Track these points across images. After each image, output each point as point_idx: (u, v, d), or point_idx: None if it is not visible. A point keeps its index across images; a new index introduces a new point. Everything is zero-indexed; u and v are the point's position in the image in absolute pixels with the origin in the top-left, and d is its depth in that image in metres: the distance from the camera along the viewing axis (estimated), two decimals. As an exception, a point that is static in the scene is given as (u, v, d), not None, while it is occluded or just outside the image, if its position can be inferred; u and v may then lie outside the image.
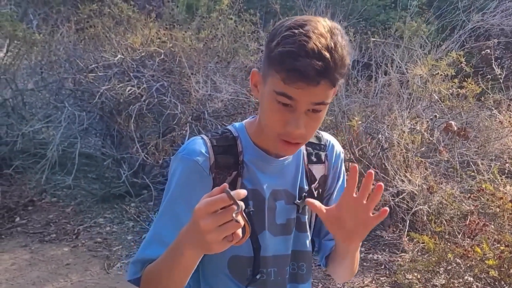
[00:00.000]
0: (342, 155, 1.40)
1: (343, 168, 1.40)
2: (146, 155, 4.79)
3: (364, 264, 3.93)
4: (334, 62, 1.04)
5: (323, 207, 1.12)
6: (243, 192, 0.89)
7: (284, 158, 1.27)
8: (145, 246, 1.19)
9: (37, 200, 5.26)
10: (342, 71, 1.08)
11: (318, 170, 1.34)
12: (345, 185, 1.18)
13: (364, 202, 1.06)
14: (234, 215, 0.86)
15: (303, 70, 1.03)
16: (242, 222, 0.89)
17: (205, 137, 1.24)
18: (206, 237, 0.89)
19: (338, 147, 1.39)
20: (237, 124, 1.31)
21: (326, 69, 1.04)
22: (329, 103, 1.14)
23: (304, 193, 1.30)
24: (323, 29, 1.07)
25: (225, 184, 0.90)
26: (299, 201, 1.29)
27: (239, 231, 0.89)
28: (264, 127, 1.20)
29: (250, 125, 1.28)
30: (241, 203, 0.88)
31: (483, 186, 3.20)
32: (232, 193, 0.87)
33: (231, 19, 5.35)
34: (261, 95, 1.18)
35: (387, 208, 1.05)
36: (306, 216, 1.32)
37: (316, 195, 1.34)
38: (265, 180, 1.25)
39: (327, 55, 1.04)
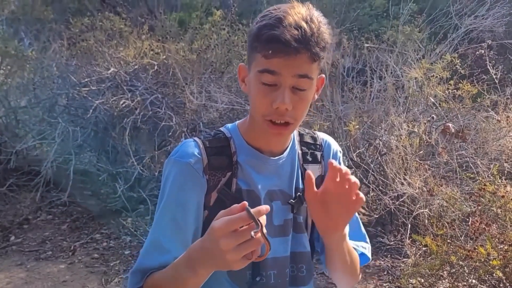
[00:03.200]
0: (340, 154, 1.37)
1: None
2: (142, 169, 4.74)
3: (367, 270, 3.86)
4: (312, 31, 1.07)
5: (314, 188, 1.11)
6: (265, 209, 0.88)
7: (278, 157, 1.25)
8: (144, 255, 1.16)
9: (32, 218, 5.17)
10: (322, 44, 1.09)
11: (314, 170, 1.30)
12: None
13: (346, 186, 1.06)
14: (253, 233, 0.86)
15: (281, 38, 1.05)
16: (262, 240, 0.88)
17: (197, 139, 1.22)
18: (226, 256, 0.87)
19: (335, 146, 1.37)
20: (229, 125, 1.29)
21: (303, 36, 1.06)
22: (314, 81, 1.13)
23: (299, 193, 1.28)
24: (301, 8, 1.11)
25: (245, 203, 0.89)
26: (293, 201, 1.27)
27: (259, 249, 0.89)
28: (253, 116, 1.19)
29: (242, 125, 1.27)
30: (263, 220, 0.88)
31: (484, 185, 3.17)
32: (252, 211, 0.87)
33: (224, 29, 5.35)
34: (248, 86, 1.18)
35: (363, 196, 1.07)
36: (302, 217, 1.29)
37: None
38: (260, 180, 1.22)
39: (304, 24, 1.07)
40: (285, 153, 1.26)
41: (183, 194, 1.16)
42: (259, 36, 1.09)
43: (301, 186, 1.28)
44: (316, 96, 1.21)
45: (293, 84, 1.10)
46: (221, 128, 1.28)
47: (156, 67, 4.99)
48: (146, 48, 5.07)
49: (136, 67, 5.04)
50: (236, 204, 0.89)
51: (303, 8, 1.11)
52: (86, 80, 5.18)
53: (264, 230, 0.90)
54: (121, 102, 4.74)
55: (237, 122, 1.29)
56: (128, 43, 5.25)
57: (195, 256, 0.97)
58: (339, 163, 1.36)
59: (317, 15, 1.11)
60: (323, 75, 1.22)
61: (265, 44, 1.07)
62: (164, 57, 5.01)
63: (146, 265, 1.13)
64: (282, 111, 1.11)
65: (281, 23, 1.06)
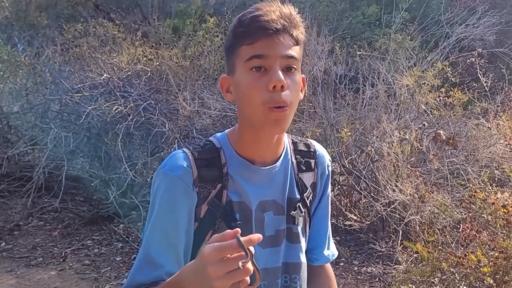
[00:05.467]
0: (330, 164, 1.39)
1: (330, 176, 1.40)
2: (134, 175, 4.73)
3: (358, 277, 3.87)
4: (290, 13, 1.11)
5: None
6: (256, 238, 0.88)
7: (271, 166, 1.23)
8: (136, 270, 1.15)
9: (23, 224, 5.14)
10: (300, 29, 1.13)
11: (308, 178, 1.32)
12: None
13: None
14: (241, 264, 0.85)
15: (264, 17, 1.08)
16: (251, 269, 0.87)
17: (186, 151, 1.20)
18: (214, 283, 0.87)
19: (327, 155, 1.38)
20: (219, 134, 1.27)
21: (284, 17, 1.09)
22: (299, 64, 1.14)
23: (298, 203, 1.27)
24: (274, 2, 1.13)
25: (237, 230, 0.88)
26: (294, 212, 1.26)
27: (248, 278, 0.88)
28: (252, 112, 1.14)
29: (232, 134, 1.25)
30: (252, 250, 0.87)
31: (475, 192, 3.19)
32: (244, 239, 0.86)
33: (217, 36, 5.37)
34: (235, 91, 1.16)
35: None
36: (300, 227, 1.29)
37: (308, 204, 1.31)
38: (252, 191, 1.21)
39: (282, 8, 1.11)
40: (278, 163, 1.25)
41: (173, 208, 1.15)
42: (241, 23, 1.11)
43: (297, 196, 1.27)
44: (301, 96, 1.20)
45: (282, 64, 1.10)
46: (211, 138, 1.26)
47: (149, 73, 4.99)
48: (139, 54, 5.08)
49: (129, 73, 5.05)
50: (229, 230, 0.88)
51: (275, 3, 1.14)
52: (79, 86, 5.17)
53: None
54: (114, 108, 4.73)
55: (227, 131, 1.27)
56: (122, 49, 5.25)
57: (186, 278, 0.97)
58: (329, 172, 1.38)
59: (289, 5, 1.15)
60: (303, 75, 1.22)
61: (247, 28, 1.09)
62: (158, 63, 5.02)
63: (138, 280, 1.13)
64: (279, 90, 1.09)
65: (259, 9, 1.10)
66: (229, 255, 0.86)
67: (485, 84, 4.25)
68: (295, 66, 1.12)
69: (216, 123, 4.86)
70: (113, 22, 5.67)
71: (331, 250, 1.41)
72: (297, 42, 1.11)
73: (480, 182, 3.51)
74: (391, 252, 3.97)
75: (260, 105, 1.10)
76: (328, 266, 1.43)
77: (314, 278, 1.37)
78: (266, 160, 1.23)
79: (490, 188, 3.33)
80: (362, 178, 4.07)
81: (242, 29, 1.10)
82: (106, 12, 7.83)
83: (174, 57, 5.18)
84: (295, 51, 1.11)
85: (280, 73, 1.08)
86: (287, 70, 1.11)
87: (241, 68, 1.12)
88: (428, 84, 4.44)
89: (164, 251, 1.13)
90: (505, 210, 2.97)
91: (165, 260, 1.12)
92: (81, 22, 5.64)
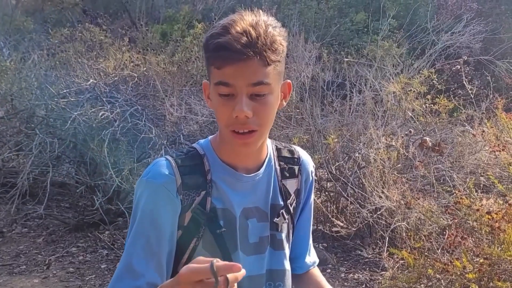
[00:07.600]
0: (313, 170, 1.38)
1: (313, 183, 1.40)
2: (120, 181, 4.68)
3: (345, 284, 3.86)
4: (259, 35, 1.05)
5: None
6: (236, 268, 0.86)
7: (254, 174, 1.23)
8: (116, 279, 1.13)
9: (7, 231, 5.06)
10: (273, 47, 1.07)
11: (291, 185, 1.31)
12: None
13: None
14: None
15: (228, 45, 1.04)
16: None
17: (169, 158, 1.18)
18: None
19: (311, 162, 1.38)
20: (202, 141, 1.26)
21: (251, 42, 1.04)
22: (272, 85, 1.10)
23: (282, 210, 1.27)
24: (248, 16, 1.09)
25: (228, 263, 0.86)
26: (277, 219, 1.26)
27: None
28: (220, 129, 1.17)
29: (214, 140, 1.24)
30: (231, 276, 0.86)
31: (460, 199, 3.21)
32: (222, 265, 0.85)
33: (205, 42, 5.38)
34: (212, 101, 1.16)
35: None
36: (283, 234, 1.28)
37: (292, 210, 1.30)
38: (235, 198, 1.20)
39: (250, 29, 1.05)
40: (261, 170, 1.24)
41: (156, 216, 1.13)
42: (207, 46, 1.08)
43: (280, 202, 1.27)
44: (284, 103, 1.19)
45: (250, 92, 1.08)
46: (194, 145, 1.24)
47: (136, 79, 4.97)
48: (126, 60, 5.05)
49: (116, 78, 5.01)
50: (218, 260, 0.87)
51: (250, 15, 1.09)
52: (65, 91, 5.12)
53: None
54: (100, 114, 4.69)
55: (210, 137, 1.26)
56: (108, 55, 5.22)
57: None
58: (313, 179, 1.37)
59: (265, 19, 1.09)
60: (288, 81, 1.20)
61: (213, 53, 1.07)
62: (145, 69, 5.00)
63: None
64: (243, 119, 1.08)
65: (228, 31, 1.05)
66: (204, 279, 0.85)
67: (470, 92, 4.29)
68: (264, 92, 1.09)
69: (203, 129, 4.84)
70: (100, 27, 5.63)
71: (312, 257, 1.42)
72: (268, 62, 1.07)
73: (465, 189, 3.53)
74: (378, 259, 3.97)
75: (227, 127, 1.11)
76: (315, 268, 1.44)
77: (303, 285, 1.38)
78: (249, 167, 1.22)
79: (475, 194, 3.35)
80: (349, 184, 4.08)
81: (209, 53, 1.08)
82: (94, 17, 7.80)
83: (161, 62, 5.16)
84: (265, 74, 1.08)
85: (244, 103, 1.07)
86: (256, 95, 1.09)
87: (212, 87, 1.12)
88: (414, 91, 4.47)
89: (145, 260, 1.11)
90: (489, 217, 2.98)
91: (146, 270, 1.10)
92: (68, 27, 5.60)
